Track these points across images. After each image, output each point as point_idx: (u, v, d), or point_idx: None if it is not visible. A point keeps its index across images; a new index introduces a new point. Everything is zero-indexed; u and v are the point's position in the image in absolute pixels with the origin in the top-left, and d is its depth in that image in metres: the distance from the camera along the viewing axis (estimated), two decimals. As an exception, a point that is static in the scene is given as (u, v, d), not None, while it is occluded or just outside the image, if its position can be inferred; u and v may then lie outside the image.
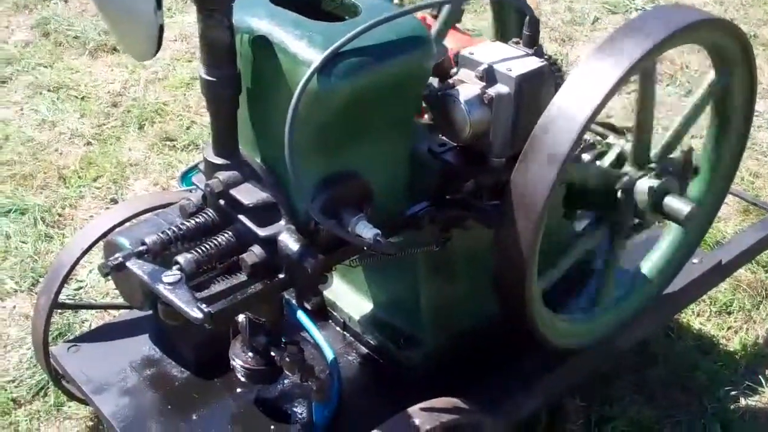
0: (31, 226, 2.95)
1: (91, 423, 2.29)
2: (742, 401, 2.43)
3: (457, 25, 2.05)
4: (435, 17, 2.03)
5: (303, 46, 1.49)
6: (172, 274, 1.52)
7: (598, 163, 1.91)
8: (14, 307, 2.66)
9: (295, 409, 1.97)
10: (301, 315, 1.98)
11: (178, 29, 4.22)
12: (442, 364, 2.03)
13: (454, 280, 2.01)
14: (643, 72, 1.76)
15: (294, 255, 1.55)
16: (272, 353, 1.80)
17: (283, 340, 1.81)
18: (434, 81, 1.75)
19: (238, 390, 2.01)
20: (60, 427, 2.29)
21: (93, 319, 2.58)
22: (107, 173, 3.24)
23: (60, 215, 3.03)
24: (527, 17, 1.75)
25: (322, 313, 2.16)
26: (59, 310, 2.48)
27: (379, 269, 2.06)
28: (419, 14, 1.91)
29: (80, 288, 2.71)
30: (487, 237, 1.79)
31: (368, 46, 1.51)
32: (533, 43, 1.75)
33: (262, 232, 1.58)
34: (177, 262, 1.53)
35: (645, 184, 1.86)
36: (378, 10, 1.56)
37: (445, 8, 1.98)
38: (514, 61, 1.71)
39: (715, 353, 2.57)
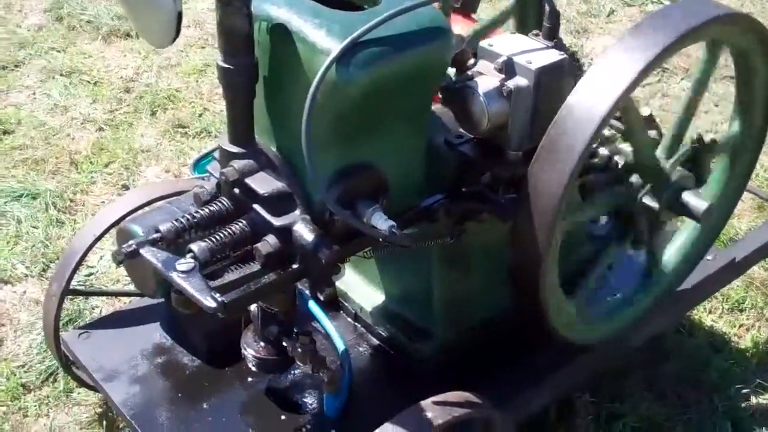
0: (42, 211, 2.94)
1: (100, 410, 2.28)
2: (753, 399, 2.41)
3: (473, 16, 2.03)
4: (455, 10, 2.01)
5: (322, 35, 1.48)
6: (185, 262, 1.52)
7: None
8: (24, 292, 2.65)
9: (305, 400, 1.97)
10: (312, 305, 1.98)
11: (192, 15, 4.22)
12: (452, 358, 2.02)
13: (468, 273, 2.00)
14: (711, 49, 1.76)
15: (309, 245, 1.54)
16: (284, 343, 1.80)
17: (295, 331, 1.81)
18: (450, 72, 1.73)
19: (249, 379, 2.01)
20: (69, 413, 2.29)
21: (103, 306, 2.58)
22: (119, 159, 3.24)
23: (71, 200, 3.03)
24: (548, 9, 1.73)
25: (334, 303, 2.15)
26: (70, 296, 2.48)
27: (392, 261, 2.05)
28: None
29: (91, 274, 2.70)
30: (501, 230, 1.78)
31: (387, 36, 1.49)
32: (553, 36, 1.74)
33: (276, 221, 1.57)
34: (191, 250, 1.53)
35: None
36: (398, -1, 1.55)
37: None
38: (534, 54, 1.69)
39: (726, 351, 2.55)
